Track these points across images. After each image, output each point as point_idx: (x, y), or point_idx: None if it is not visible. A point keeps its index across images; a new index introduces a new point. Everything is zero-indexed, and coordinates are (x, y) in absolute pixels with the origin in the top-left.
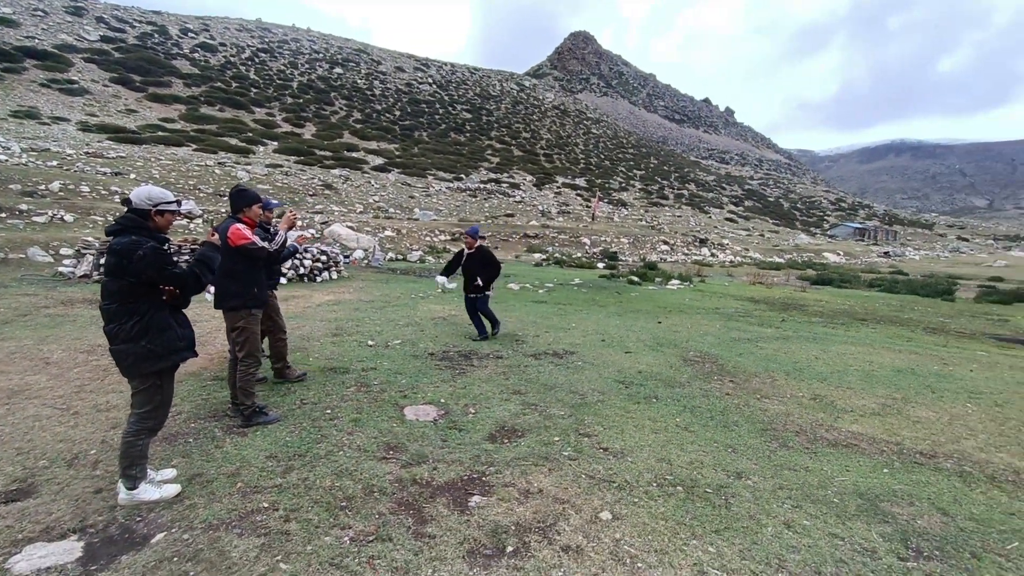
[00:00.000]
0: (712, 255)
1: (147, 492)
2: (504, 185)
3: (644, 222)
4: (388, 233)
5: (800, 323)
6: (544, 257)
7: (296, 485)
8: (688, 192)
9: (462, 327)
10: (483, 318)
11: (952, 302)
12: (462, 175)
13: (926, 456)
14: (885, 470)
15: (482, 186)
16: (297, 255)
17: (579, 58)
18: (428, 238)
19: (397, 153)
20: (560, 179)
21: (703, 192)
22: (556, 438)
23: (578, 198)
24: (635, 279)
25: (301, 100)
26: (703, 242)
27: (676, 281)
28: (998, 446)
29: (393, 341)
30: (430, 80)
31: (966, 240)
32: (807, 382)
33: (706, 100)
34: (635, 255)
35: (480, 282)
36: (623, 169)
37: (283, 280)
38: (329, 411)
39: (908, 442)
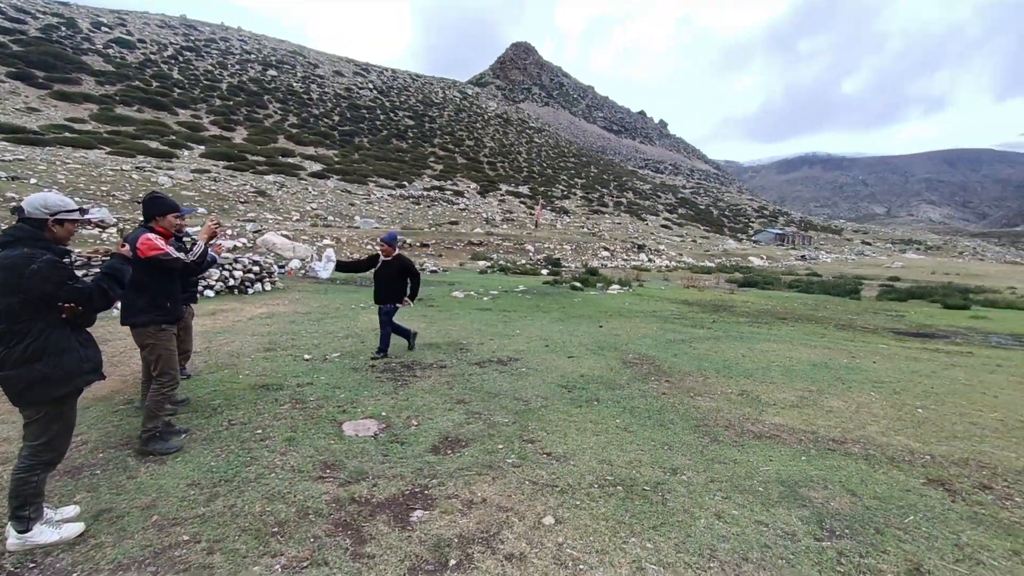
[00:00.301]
0: (649, 260)
1: (43, 534)
2: (448, 192)
3: (586, 229)
4: (327, 242)
5: (729, 323)
6: (489, 264)
7: (221, 513)
8: (626, 200)
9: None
10: (389, 330)
11: (858, 300)
12: (405, 182)
13: (837, 442)
14: (803, 458)
15: (425, 193)
16: (218, 265)
17: (521, 68)
18: (370, 246)
19: (336, 159)
20: (504, 187)
21: (640, 200)
22: (500, 446)
23: (521, 205)
24: (578, 285)
25: (231, 102)
26: (641, 248)
27: (616, 286)
28: (896, 430)
29: (331, 354)
30: (371, 85)
31: (869, 244)
32: (735, 379)
33: (642, 112)
34: (577, 261)
35: (409, 294)
36: (565, 177)
37: (210, 293)
38: (260, 431)
39: (822, 430)
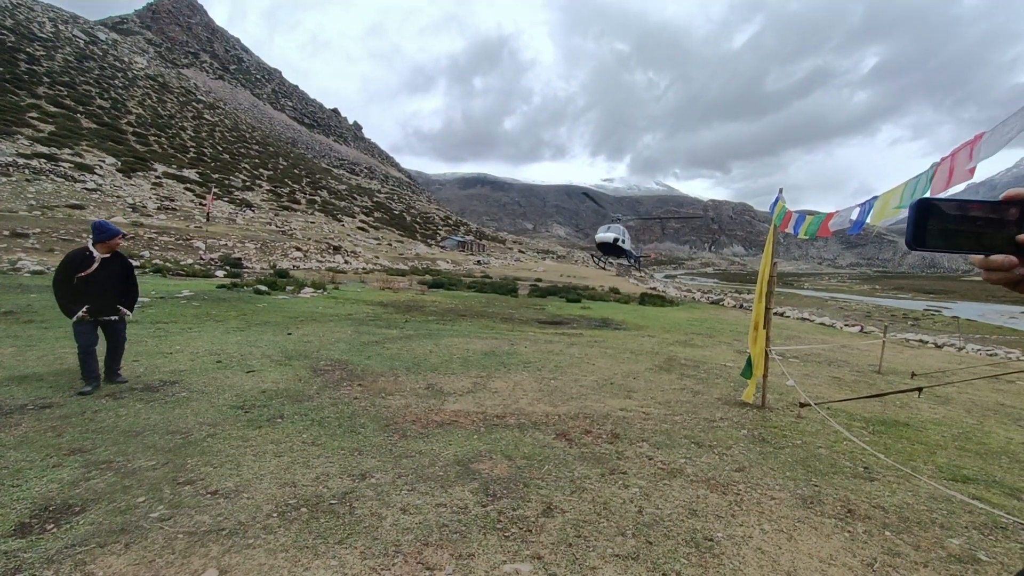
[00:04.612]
0: (346, 262)
1: None
2: (65, 165)
3: (274, 226)
4: None
5: (420, 322)
6: (138, 264)
7: None
8: (321, 199)
9: None
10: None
11: (516, 298)
12: None
13: (499, 417)
14: (475, 436)
15: (23, 161)
16: None
17: (184, 27)
18: None
19: None
20: (160, 167)
21: (336, 200)
22: (141, 499)
23: (188, 193)
24: (263, 288)
25: None
26: (337, 249)
27: (310, 289)
28: (538, 399)
29: None
30: None
31: (523, 252)
32: (423, 374)
33: (335, 110)
34: (264, 262)
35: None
36: (247, 166)
37: None
38: None
39: (489, 409)
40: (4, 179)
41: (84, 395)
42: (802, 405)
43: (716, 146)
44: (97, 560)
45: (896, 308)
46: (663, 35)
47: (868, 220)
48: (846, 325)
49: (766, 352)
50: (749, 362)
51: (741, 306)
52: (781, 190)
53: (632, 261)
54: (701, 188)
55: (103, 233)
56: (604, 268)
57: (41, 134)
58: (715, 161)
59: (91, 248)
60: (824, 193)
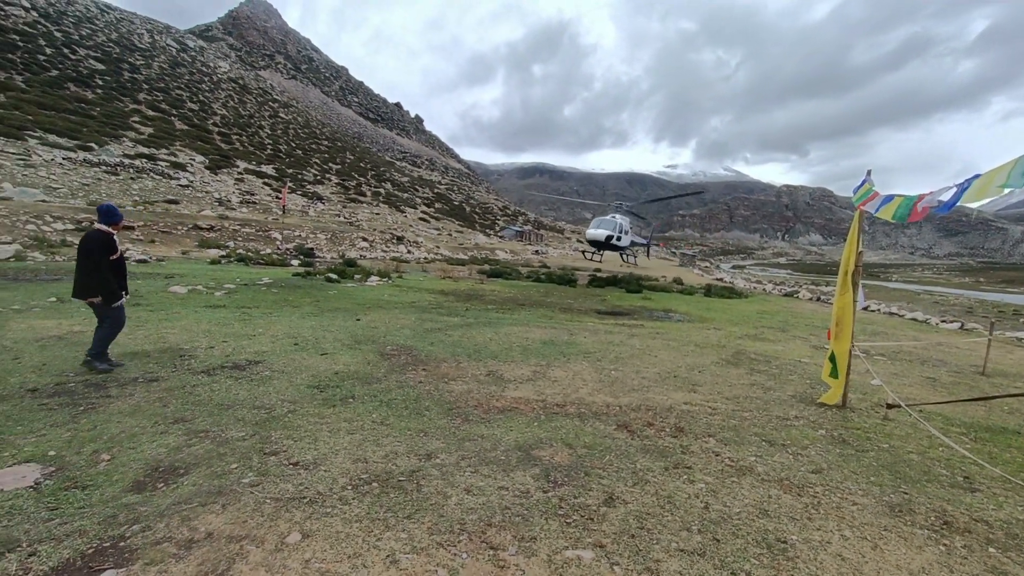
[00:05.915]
0: (409, 252)
1: None
2: (163, 164)
3: (342, 218)
4: None
5: (480, 311)
6: (224, 254)
7: None
8: (385, 191)
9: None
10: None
11: (574, 287)
12: (93, 143)
13: (559, 406)
14: (535, 423)
15: (128, 161)
16: None
17: (260, 30)
18: (32, 226)
19: None
20: (242, 164)
21: (399, 192)
22: (234, 465)
23: (266, 187)
24: (334, 276)
25: None
26: (400, 239)
27: (376, 277)
28: (598, 390)
29: None
30: (27, 4)
31: (582, 242)
32: (484, 361)
33: (398, 104)
34: (334, 252)
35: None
36: (318, 161)
37: None
38: None
39: (549, 398)
40: (113, 178)
41: (111, 370)
42: (890, 406)
43: (792, 127)
44: (199, 517)
45: (1005, 303)
46: (734, 10)
47: (962, 200)
48: (943, 321)
49: (849, 349)
50: (832, 360)
51: (818, 299)
52: (869, 172)
53: (630, 258)
54: (775, 172)
55: (116, 215)
56: (599, 261)
57: (142, 136)
58: (790, 143)
59: (109, 229)
60: (919, 175)
